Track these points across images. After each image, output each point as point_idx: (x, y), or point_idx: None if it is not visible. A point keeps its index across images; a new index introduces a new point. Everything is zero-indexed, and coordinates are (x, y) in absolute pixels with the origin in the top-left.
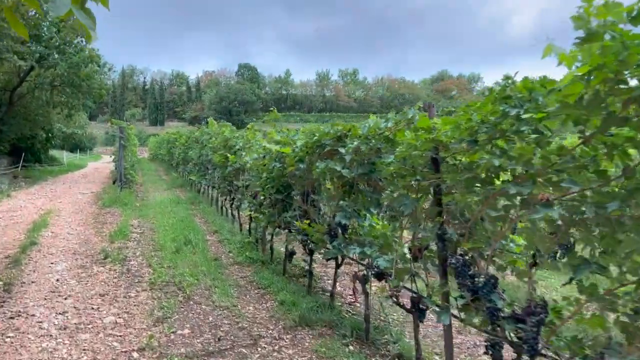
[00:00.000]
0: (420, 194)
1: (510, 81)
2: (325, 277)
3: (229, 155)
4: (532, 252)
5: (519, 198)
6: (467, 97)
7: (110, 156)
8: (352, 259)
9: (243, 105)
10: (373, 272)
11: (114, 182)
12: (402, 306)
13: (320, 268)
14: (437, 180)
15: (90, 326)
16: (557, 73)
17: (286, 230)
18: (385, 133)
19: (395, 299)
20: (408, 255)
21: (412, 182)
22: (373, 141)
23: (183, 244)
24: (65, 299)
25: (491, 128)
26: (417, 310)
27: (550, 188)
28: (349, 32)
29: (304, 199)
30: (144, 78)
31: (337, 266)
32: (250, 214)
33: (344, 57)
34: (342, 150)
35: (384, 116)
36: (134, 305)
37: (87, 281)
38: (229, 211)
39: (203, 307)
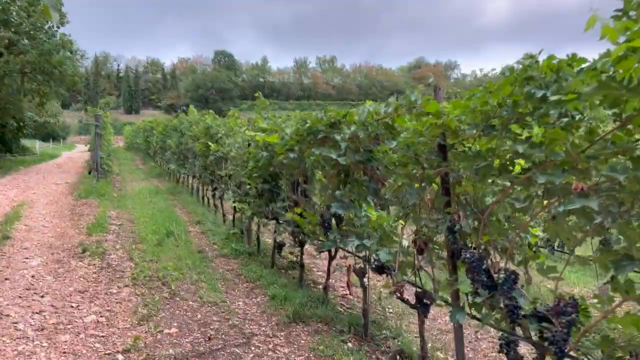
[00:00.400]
0: (424, 183)
1: (533, 60)
2: (315, 269)
3: (210, 143)
4: (552, 245)
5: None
6: (444, 84)
7: (86, 145)
8: (348, 251)
9: (220, 92)
10: (373, 265)
11: (89, 172)
12: (406, 301)
13: (310, 259)
14: (446, 168)
15: (70, 326)
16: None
17: (274, 221)
18: (384, 119)
19: (399, 294)
20: (412, 248)
21: (416, 171)
22: (370, 128)
23: (165, 236)
24: (42, 296)
25: (510, 112)
26: (422, 305)
27: (592, 175)
28: (325, 19)
29: (294, 189)
30: (118, 65)
31: (331, 258)
32: (234, 205)
33: (321, 45)
34: (338, 137)
35: (360, 104)
36: (116, 303)
37: (65, 277)
38: (211, 201)
39: (190, 303)
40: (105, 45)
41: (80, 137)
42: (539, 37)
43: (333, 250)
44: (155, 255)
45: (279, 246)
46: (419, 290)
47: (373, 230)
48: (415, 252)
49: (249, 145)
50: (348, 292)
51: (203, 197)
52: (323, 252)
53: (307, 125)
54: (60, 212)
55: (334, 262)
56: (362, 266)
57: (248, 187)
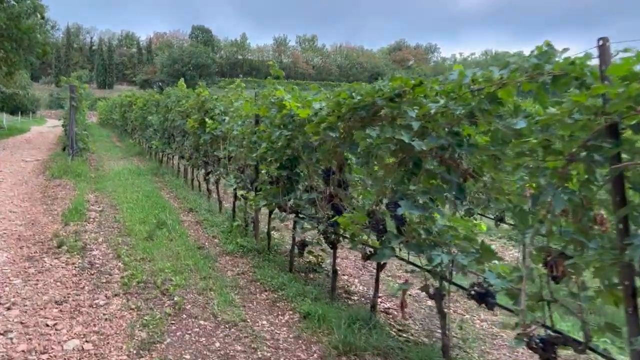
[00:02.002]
0: (572, 181)
1: None
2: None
3: (207, 120)
4: None
5: None
6: (424, 67)
7: (59, 119)
8: (408, 262)
9: (197, 69)
10: (472, 291)
11: (63, 149)
12: (535, 349)
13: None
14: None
15: (45, 356)
16: (525, 46)
17: (292, 215)
18: (487, 89)
19: (527, 340)
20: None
21: (565, 163)
22: (467, 100)
23: (156, 226)
24: (8, 308)
25: None
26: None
27: None
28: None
29: (326, 178)
30: (91, 38)
31: (379, 268)
32: (238, 192)
33: (300, 24)
34: (412, 114)
35: (340, 84)
36: (105, 320)
37: (38, 280)
38: (203, 185)
39: (202, 323)
40: (78, 17)
41: (51, 112)
42: (514, 22)
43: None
44: (148, 252)
45: (301, 245)
46: (553, 334)
47: (458, 240)
48: (547, 277)
49: (256, 122)
50: (402, 314)
51: (192, 180)
52: (371, 261)
53: (358, 98)
54: (31, 195)
55: (351, 260)
56: (439, 286)
57: (264, 172)
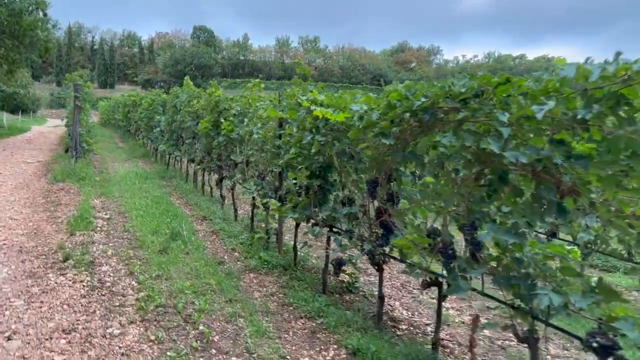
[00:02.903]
0: None
1: None
2: (374, 289)
3: (222, 121)
4: None
5: None
6: (426, 69)
7: (61, 119)
8: (484, 294)
9: (199, 69)
10: (595, 342)
11: (66, 151)
12: None
13: (364, 276)
14: None
15: None
16: (526, 49)
17: (325, 229)
18: (609, 88)
19: None
20: None
21: None
22: (569, 103)
23: (170, 237)
24: (8, 338)
25: None
26: None
27: None
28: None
29: (372, 191)
30: (93, 37)
31: (441, 298)
32: (254, 200)
33: (301, 25)
34: (504, 117)
35: (343, 86)
36: (122, 355)
37: (42, 302)
38: (215, 191)
39: None
40: (79, 16)
41: (51, 111)
42: (515, 26)
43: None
44: (163, 268)
45: (337, 264)
46: None
47: (564, 275)
48: None
49: (280, 125)
50: (470, 354)
51: (203, 185)
52: (435, 291)
53: (423, 99)
54: (33, 200)
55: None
56: (531, 327)
57: (291, 180)
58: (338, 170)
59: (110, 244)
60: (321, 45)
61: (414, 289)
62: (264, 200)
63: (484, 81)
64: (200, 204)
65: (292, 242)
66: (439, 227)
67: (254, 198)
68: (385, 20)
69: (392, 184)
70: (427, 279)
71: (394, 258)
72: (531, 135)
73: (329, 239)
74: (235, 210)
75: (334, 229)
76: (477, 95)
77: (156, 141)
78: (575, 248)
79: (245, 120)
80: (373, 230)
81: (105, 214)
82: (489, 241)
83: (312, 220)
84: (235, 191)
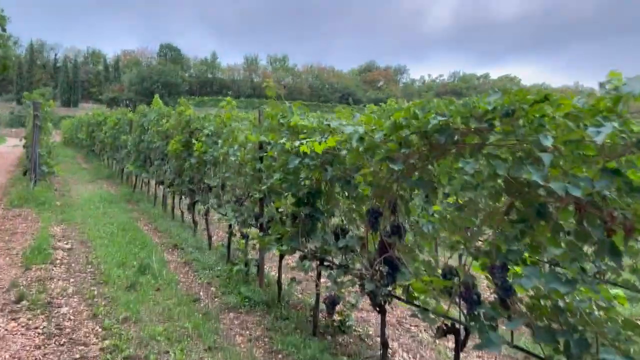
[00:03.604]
0: None
1: None
2: (360, 325)
3: (194, 142)
4: None
5: None
6: (393, 88)
7: (20, 140)
8: (516, 347)
9: (166, 87)
10: None
11: (24, 173)
12: None
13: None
14: None
15: None
16: (489, 68)
17: (314, 262)
18: None
19: None
20: None
21: None
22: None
23: (138, 271)
24: None
25: None
26: None
27: None
28: (272, 17)
29: (373, 221)
30: (55, 54)
31: (459, 348)
32: (231, 228)
33: (269, 43)
34: (546, 142)
35: (311, 104)
36: None
37: None
38: (187, 216)
39: None
40: (42, 33)
41: (11, 130)
42: (479, 45)
43: (463, 334)
44: (132, 308)
45: (331, 304)
46: None
47: (626, 331)
48: None
49: (260, 147)
50: None
51: (173, 209)
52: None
53: (439, 119)
54: None
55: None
56: None
57: (273, 207)
58: (326, 198)
59: (71, 280)
60: (290, 63)
61: (411, 326)
62: (244, 229)
63: (517, 97)
64: (170, 231)
65: (274, 274)
66: (451, 265)
67: (230, 225)
68: (353, 40)
69: (397, 214)
70: (444, 326)
71: (400, 299)
72: (576, 164)
73: (319, 273)
74: (210, 237)
75: (325, 262)
76: (508, 114)
77: (122, 162)
78: (620, 292)
79: (220, 141)
80: (376, 267)
81: (66, 244)
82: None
83: (300, 253)
84: (209, 217)
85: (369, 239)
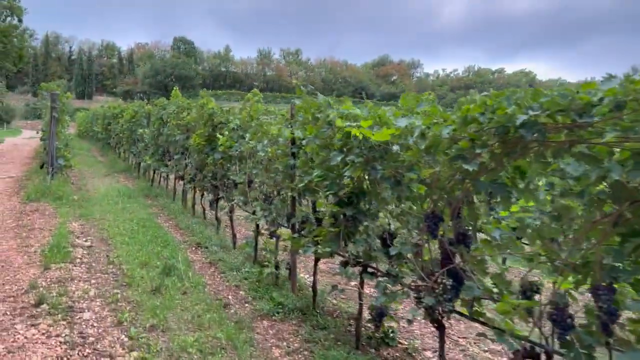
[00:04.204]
0: None
1: None
2: (403, 336)
3: (219, 136)
4: None
5: None
6: (407, 82)
7: (38, 132)
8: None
9: (180, 80)
10: None
11: (41, 166)
12: None
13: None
14: None
15: None
16: (503, 63)
17: (358, 268)
18: None
19: None
20: None
21: None
22: None
23: (162, 272)
24: None
25: None
26: None
27: None
28: (284, 12)
29: (431, 227)
30: (70, 47)
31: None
32: (258, 226)
33: (281, 37)
34: None
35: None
36: None
37: None
38: (208, 213)
39: None
40: (56, 26)
41: (27, 122)
42: (492, 40)
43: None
44: (159, 315)
45: (378, 316)
46: None
47: None
48: None
49: (293, 143)
50: None
51: (194, 206)
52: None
53: (531, 113)
54: (1, 223)
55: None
56: None
57: (317, 211)
58: (370, 198)
59: (93, 281)
60: (303, 57)
61: (459, 338)
62: (273, 229)
63: (634, 87)
64: (192, 228)
65: (305, 278)
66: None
67: (257, 224)
68: (365, 34)
69: (460, 219)
70: (524, 350)
71: (464, 315)
72: None
73: (362, 280)
74: (234, 236)
75: (369, 269)
76: (620, 106)
77: (139, 155)
78: None
79: (247, 135)
80: (437, 279)
81: (86, 241)
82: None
83: (341, 257)
84: (233, 215)
85: (424, 247)
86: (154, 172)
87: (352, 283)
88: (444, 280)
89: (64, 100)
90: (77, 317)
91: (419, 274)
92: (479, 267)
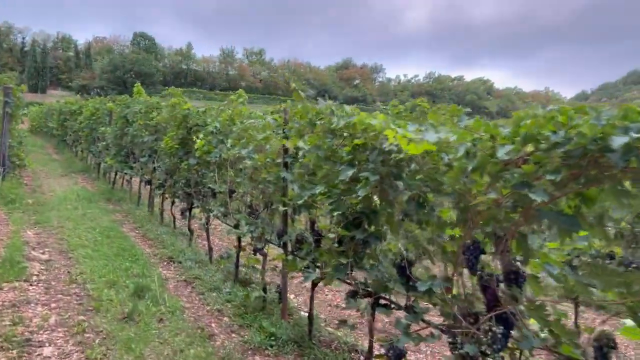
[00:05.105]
0: None
1: None
2: None
3: (196, 139)
4: None
5: None
6: (369, 86)
7: None
8: None
9: (140, 76)
10: None
11: None
12: None
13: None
14: None
15: None
16: (464, 71)
17: (367, 299)
18: None
19: None
20: None
21: None
22: None
23: (134, 294)
24: None
25: None
26: None
27: None
28: (249, 10)
29: (471, 261)
30: (23, 38)
31: None
32: (240, 240)
33: (244, 37)
34: None
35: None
36: None
37: None
38: (178, 221)
39: None
40: (9, 16)
41: None
42: (453, 48)
43: None
44: (134, 350)
45: (396, 357)
46: None
47: None
48: None
49: (285, 152)
50: None
51: (162, 213)
52: None
53: (634, 136)
54: None
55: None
56: None
57: (317, 231)
58: (380, 219)
59: (53, 305)
60: (266, 58)
61: None
62: (260, 245)
63: None
64: (162, 239)
65: (292, 299)
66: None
67: (239, 239)
68: (329, 36)
69: (509, 254)
70: None
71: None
72: None
73: (373, 314)
74: (210, 249)
75: (381, 301)
76: None
77: (99, 155)
78: None
79: (229, 140)
80: (481, 324)
81: (43, 253)
82: None
83: (348, 285)
84: (209, 226)
85: (461, 283)
86: (116, 174)
87: (352, 312)
88: (492, 327)
89: (18, 95)
90: (36, 353)
91: (447, 312)
92: (537, 313)
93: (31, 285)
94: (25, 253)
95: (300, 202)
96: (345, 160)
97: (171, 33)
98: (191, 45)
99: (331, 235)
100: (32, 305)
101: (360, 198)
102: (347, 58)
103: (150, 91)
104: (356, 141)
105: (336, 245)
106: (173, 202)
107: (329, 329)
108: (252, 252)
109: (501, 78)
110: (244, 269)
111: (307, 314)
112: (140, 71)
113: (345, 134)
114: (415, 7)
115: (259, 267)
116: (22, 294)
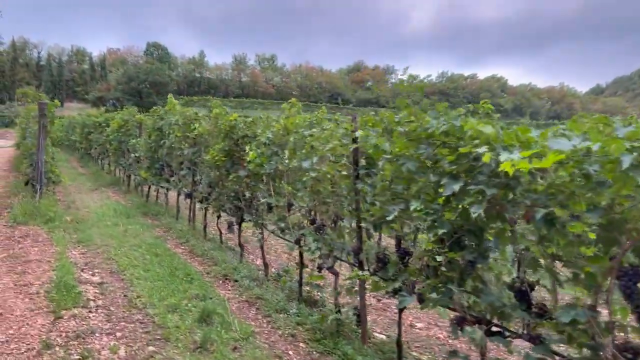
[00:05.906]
0: None
1: None
2: None
3: (247, 150)
4: None
5: None
6: (382, 88)
7: (18, 143)
8: None
9: (154, 86)
10: None
11: (26, 183)
12: None
13: None
14: None
15: None
16: (474, 69)
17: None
18: None
19: None
20: None
21: None
22: None
23: (200, 319)
24: None
25: None
26: None
27: None
28: (259, 17)
29: (629, 290)
30: (39, 53)
31: None
32: (302, 257)
33: (255, 43)
34: None
35: None
36: None
37: None
38: (225, 236)
39: None
40: (25, 31)
41: None
42: (461, 47)
43: None
44: None
45: None
46: None
47: None
48: None
49: (356, 163)
50: None
51: (205, 227)
52: None
53: None
54: None
55: None
56: None
57: (409, 250)
58: (480, 237)
59: (118, 334)
60: (278, 63)
61: None
62: (328, 263)
63: None
64: (210, 255)
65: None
66: None
67: (302, 255)
68: (340, 39)
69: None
70: None
71: None
72: None
73: (485, 344)
74: (266, 266)
75: (492, 329)
76: None
77: (130, 168)
78: None
79: (286, 151)
80: None
81: (93, 275)
82: None
83: (454, 312)
84: (263, 241)
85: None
86: (149, 188)
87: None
88: None
89: (52, 110)
90: None
91: (590, 344)
92: None
93: (90, 312)
94: (76, 276)
95: (390, 217)
96: (447, 172)
97: (183, 42)
98: (204, 53)
99: (425, 256)
100: (97, 335)
101: (450, 213)
102: (359, 60)
103: (164, 101)
104: (462, 150)
105: (443, 267)
106: (219, 216)
107: (414, 353)
108: (317, 270)
109: (513, 75)
110: (307, 287)
111: (384, 336)
112: (154, 81)
113: (446, 142)
114: (422, 7)
115: (321, 284)
116: (84, 322)
